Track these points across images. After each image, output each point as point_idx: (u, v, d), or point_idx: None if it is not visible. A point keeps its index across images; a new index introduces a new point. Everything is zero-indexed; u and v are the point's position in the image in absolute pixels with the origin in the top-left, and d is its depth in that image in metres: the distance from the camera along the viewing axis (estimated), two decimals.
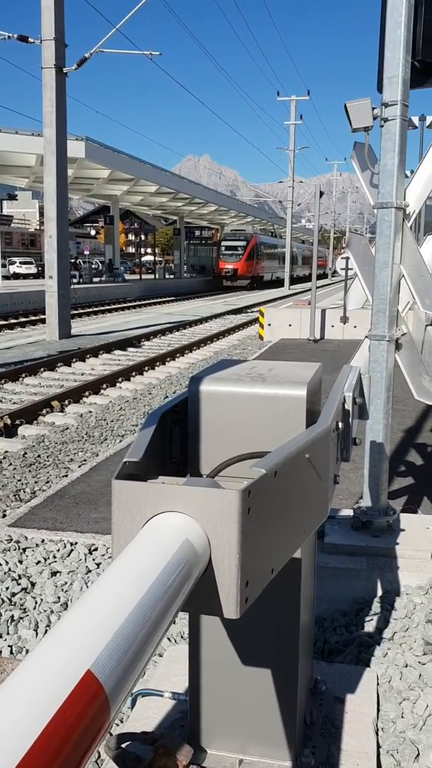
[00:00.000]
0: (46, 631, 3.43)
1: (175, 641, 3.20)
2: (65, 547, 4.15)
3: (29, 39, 16.12)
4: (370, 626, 3.20)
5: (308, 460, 1.56)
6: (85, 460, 6.75)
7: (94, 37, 21.50)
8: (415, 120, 18.76)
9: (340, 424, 1.89)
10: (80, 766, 0.79)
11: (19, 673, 0.82)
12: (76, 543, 4.18)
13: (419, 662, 2.81)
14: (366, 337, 3.73)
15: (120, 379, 11.30)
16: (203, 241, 64.28)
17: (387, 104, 3.41)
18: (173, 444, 1.94)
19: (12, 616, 3.50)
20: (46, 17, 15.88)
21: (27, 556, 4.07)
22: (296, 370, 2.11)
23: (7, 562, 3.97)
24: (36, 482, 6.07)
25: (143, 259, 70.37)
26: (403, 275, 3.59)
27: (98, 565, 3.95)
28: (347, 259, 14.71)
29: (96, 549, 4.14)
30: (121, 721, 2.51)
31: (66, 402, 9.43)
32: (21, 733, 0.72)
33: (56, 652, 0.87)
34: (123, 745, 2.11)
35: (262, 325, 16.74)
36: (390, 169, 3.45)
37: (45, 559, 4.03)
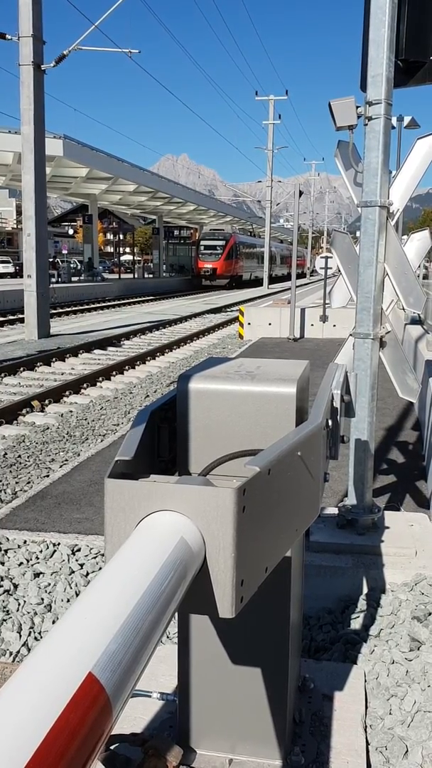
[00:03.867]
0: (30, 632, 3.39)
1: (161, 642, 3.18)
2: (48, 548, 4.11)
3: (6, 36, 15.97)
4: (356, 624, 3.21)
5: (300, 457, 1.56)
6: (66, 460, 6.70)
7: (72, 35, 21.39)
8: (393, 120, 18.89)
9: (329, 422, 1.89)
10: None
11: (20, 677, 0.80)
12: (58, 544, 4.14)
13: (406, 659, 2.82)
14: (350, 335, 3.73)
15: (100, 379, 11.24)
16: (182, 241, 64.19)
17: (371, 103, 3.42)
18: (162, 443, 1.93)
19: None
20: (24, 14, 15.74)
21: (9, 558, 4.02)
22: (285, 367, 2.10)
23: None
24: (17, 483, 6.01)
25: (122, 258, 70.13)
26: (387, 273, 3.60)
27: (81, 565, 3.92)
28: (326, 258, 14.79)
29: (79, 550, 4.10)
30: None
31: (46, 402, 9.36)
32: (25, 738, 0.70)
33: (56, 655, 0.85)
34: (112, 747, 2.09)
35: (241, 324, 16.76)
36: (374, 168, 3.45)
37: (27, 561, 3.99)
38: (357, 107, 3.47)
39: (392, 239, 3.57)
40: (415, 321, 10.35)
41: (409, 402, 7.46)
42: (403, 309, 3.81)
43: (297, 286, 16.30)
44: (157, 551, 1.15)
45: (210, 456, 1.92)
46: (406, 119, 18.63)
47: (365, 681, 2.65)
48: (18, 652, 3.27)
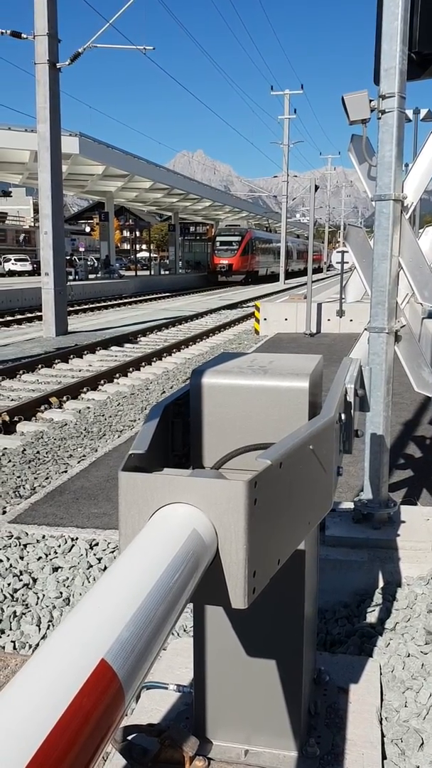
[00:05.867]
0: (49, 626, 3.43)
1: (178, 635, 3.21)
2: (66, 542, 4.16)
3: (22, 35, 16.05)
4: (372, 617, 3.22)
5: (312, 451, 1.57)
6: (84, 456, 6.76)
7: (87, 32, 21.43)
8: (409, 113, 18.67)
9: (342, 416, 1.90)
10: (96, 755, 0.79)
11: (33, 663, 0.82)
12: (77, 538, 4.18)
13: (421, 652, 2.82)
14: (365, 329, 3.73)
15: (117, 375, 11.30)
16: (198, 237, 64.22)
17: (384, 96, 3.41)
18: (175, 437, 1.95)
19: (14, 612, 3.50)
20: (39, 13, 15.81)
21: (28, 552, 4.07)
22: (298, 362, 2.11)
23: (8, 559, 3.97)
24: (36, 478, 6.07)
25: (138, 255, 70.30)
26: (401, 267, 3.59)
27: (99, 560, 3.96)
28: (343, 252, 14.73)
29: (97, 544, 4.14)
30: (126, 714, 2.52)
31: (64, 398, 9.43)
32: (38, 722, 0.73)
33: (70, 642, 0.87)
34: (129, 738, 2.13)
35: (257, 320, 16.75)
36: (388, 161, 3.44)
37: (46, 555, 4.03)
38: (370, 101, 3.46)
39: (407, 233, 3.56)
40: None
41: (426, 396, 7.42)
42: (421, 303, 3.80)
43: (313, 281, 16.25)
44: (170, 543, 1.17)
45: (223, 450, 1.94)
46: (423, 112, 18.45)
47: (380, 674, 2.66)
48: (37, 644, 3.31)
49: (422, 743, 2.34)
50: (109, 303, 28.71)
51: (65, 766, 0.72)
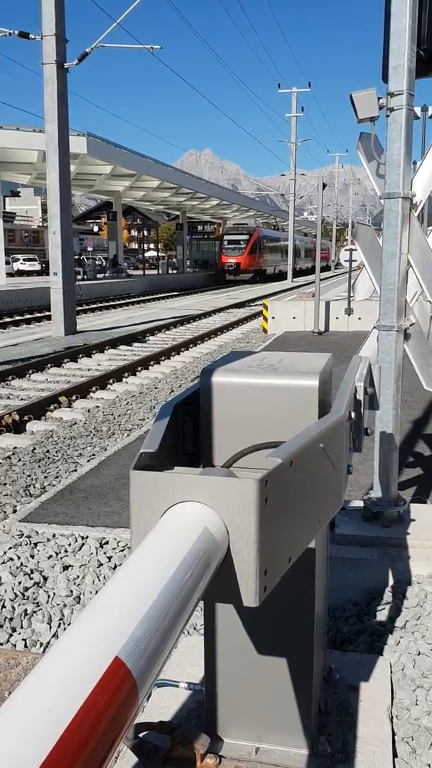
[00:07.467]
0: (60, 624, 3.45)
1: (188, 632, 3.22)
2: (76, 541, 4.17)
3: (30, 35, 16.09)
4: (382, 615, 3.21)
5: (322, 449, 1.57)
6: (93, 455, 6.77)
7: (94, 32, 21.44)
8: (417, 110, 18.54)
9: (352, 414, 1.90)
10: (110, 753, 0.80)
11: (47, 661, 0.83)
12: (87, 537, 4.20)
13: None
14: (374, 327, 3.73)
15: (126, 374, 11.32)
16: (206, 236, 64.20)
17: (393, 94, 3.40)
18: (186, 435, 1.95)
19: (25, 610, 3.52)
20: (47, 13, 15.84)
21: (38, 551, 4.09)
22: (307, 360, 2.11)
23: (18, 557, 3.99)
24: (46, 477, 6.09)
25: (146, 254, 70.39)
26: (410, 265, 3.59)
27: (109, 558, 3.98)
28: (351, 251, 14.69)
29: (107, 542, 4.15)
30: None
31: (73, 397, 9.46)
32: (53, 720, 0.73)
33: (84, 640, 0.88)
34: (140, 735, 2.13)
35: (265, 318, 16.74)
36: (396, 159, 3.44)
37: (56, 554, 4.05)
38: (379, 99, 3.45)
39: (416, 231, 3.55)
40: None
41: None
42: (430, 301, 3.79)
43: (321, 279, 16.22)
44: (182, 541, 1.17)
45: (233, 449, 1.94)
46: (431, 109, 18.36)
47: (391, 672, 2.65)
48: (48, 642, 3.33)
49: None
50: (118, 302, 28.76)
51: (80, 763, 0.72)
